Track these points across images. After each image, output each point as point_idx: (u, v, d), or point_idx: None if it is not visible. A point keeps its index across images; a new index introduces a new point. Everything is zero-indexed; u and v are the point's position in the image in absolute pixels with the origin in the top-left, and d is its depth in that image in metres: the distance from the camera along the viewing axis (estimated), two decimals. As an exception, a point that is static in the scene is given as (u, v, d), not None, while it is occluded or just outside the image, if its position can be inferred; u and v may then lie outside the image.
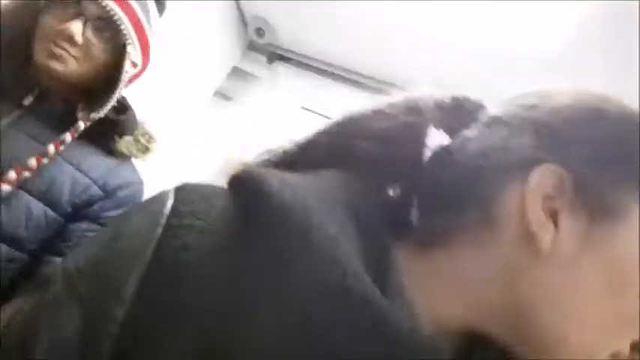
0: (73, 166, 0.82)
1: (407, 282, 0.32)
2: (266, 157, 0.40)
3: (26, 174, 0.74)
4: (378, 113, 0.38)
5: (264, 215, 0.28)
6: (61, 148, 0.78)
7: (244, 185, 0.30)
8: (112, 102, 0.82)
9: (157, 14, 0.92)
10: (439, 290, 0.33)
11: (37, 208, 0.77)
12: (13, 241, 0.75)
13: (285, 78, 2.15)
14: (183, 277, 0.27)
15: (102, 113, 0.81)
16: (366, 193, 0.36)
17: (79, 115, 0.81)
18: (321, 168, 0.36)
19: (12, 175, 0.73)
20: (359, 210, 0.33)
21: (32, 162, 0.75)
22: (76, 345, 0.27)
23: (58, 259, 0.80)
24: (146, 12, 0.86)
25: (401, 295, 0.31)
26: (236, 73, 2.18)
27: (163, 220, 0.29)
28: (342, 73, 2.06)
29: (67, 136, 0.79)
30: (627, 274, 0.31)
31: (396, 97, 0.40)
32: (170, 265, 0.27)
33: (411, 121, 0.37)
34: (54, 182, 0.79)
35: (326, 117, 1.75)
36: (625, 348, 0.32)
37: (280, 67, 2.17)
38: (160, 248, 0.28)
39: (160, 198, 0.31)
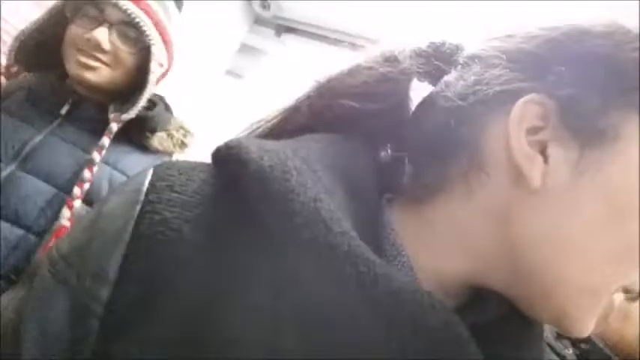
0: (109, 166, 0.84)
1: (403, 240, 0.31)
2: (253, 127, 0.39)
3: (86, 186, 0.78)
4: (355, 68, 0.36)
5: (243, 182, 0.27)
6: (103, 152, 0.81)
7: (223, 155, 0.29)
8: (142, 102, 0.83)
9: (177, 11, 0.93)
10: (437, 245, 0.32)
11: (83, 210, 0.80)
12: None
13: (295, 50, 2.13)
14: (164, 252, 0.27)
15: (132, 114, 0.83)
16: (353, 154, 0.34)
17: (111, 117, 0.83)
18: (307, 132, 0.34)
19: (77, 191, 0.77)
20: (347, 171, 0.32)
21: (87, 174, 0.78)
22: (64, 328, 0.27)
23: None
24: (165, 10, 0.86)
25: (399, 254, 0.30)
26: (245, 49, 2.16)
27: (142, 197, 0.29)
28: (350, 40, 2.03)
29: (105, 140, 0.81)
30: (627, 199, 0.29)
31: (373, 50, 0.37)
32: (150, 241, 0.27)
33: (389, 71, 0.35)
34: (96, 184, 0.81)
35: None
36: (634, 282, 0.30)
37: (289, 40, 2.14)
38: (139, 225, 0.28)
39: (137, 177, 0.31)
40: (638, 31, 0.31)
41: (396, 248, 0.31)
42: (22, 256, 0.75)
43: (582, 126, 0.29)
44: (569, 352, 0.96)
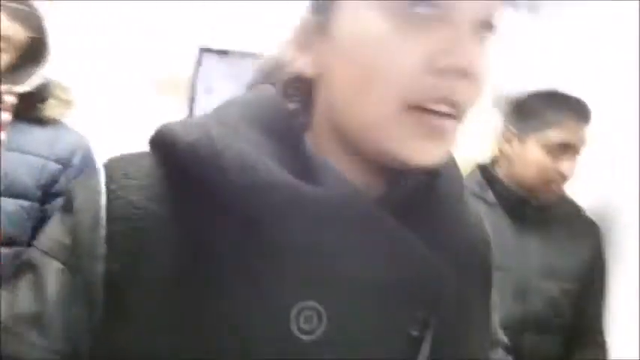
0: (18, 152, 0.80)
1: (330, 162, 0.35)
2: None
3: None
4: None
5: (178, 160, 0.33)
6: (7, 129, 0.76)
7: (155, 140, 0.35)
8: (41, 73, 0.78)
9: None
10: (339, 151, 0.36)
11: (10, 204, 0.78)
12: (10, 243, 0.78)
13: None
14: (138, 227, 0.32)
15: (30, 86, 0.77)
16: (269, 106, 0.37)
17: (4, 90, 0.76)
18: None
19: None
20: (271, 122, 0.36)
21: None
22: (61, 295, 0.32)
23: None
24: None
25: (330, 170, 0.34)
26: None
27: (103, 189, 0.33)
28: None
29: (4, 116, 0.76)
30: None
31: None
32: (124, 221, 0.32)
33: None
34: (10, 175, 0.78)
35: None
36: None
37: None
38: (110, 211, 0.32)
39: (92, 174, 0.35)
40: None
41: (325, 166, 0.35)
42: None
43: None
44: (489, 194, 1.11)
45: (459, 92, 0.31)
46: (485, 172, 1.15)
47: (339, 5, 0.33)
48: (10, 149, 0.79)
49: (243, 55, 1.76)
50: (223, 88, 1.77)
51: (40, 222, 0.83)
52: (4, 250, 0.77)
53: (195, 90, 1.77)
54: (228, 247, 0.32)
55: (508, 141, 1.08)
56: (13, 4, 0.73)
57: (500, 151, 1.12)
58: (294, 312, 0.32)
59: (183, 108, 1.81)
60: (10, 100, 0.76)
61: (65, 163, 0.85)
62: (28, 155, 0.81)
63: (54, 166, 0.83)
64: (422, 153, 0.32)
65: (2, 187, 0.77)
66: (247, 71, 0.42)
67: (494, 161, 1.15)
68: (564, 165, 1.01)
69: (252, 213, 0.32)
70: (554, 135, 1.02)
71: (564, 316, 1.09)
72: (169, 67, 1.80)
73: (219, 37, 1.81)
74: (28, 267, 0.34)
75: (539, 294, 1.07)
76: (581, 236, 1.15)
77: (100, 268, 0.31)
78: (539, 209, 1.09)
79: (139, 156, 0.36)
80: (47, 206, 0.84)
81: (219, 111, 0.37)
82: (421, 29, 0.31)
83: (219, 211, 0.32)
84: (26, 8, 0.74)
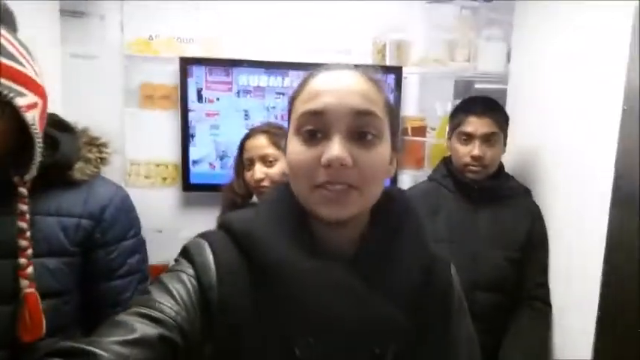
0: (54, 216, 0.87)
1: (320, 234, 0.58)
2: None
3: (29, 252, 0.82)
4: None
5: (235, 239, 0.57)
6: (27, 217, 0.82)
7: (222, 226, 0.60)
8: (38, 158, 0.81)
9: (11, 33, 0.81)
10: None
11: (52, 263, 0.87)
12: (56, 294, 0.87)
13: None
14: (228, 279, 0.54)
15: (34, 172, 0.81)
16: (285, 201, 0.60)
17: (16, 181, 0.82)
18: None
19: (23, 261, 0.81)
20: (283, 212, 0.59)
21: (23, 243, 0.81)
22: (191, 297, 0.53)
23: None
24: (11, 56, 0.77)
25: (323, 244, 0.57)
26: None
27: (212, 260, 0.56)
28: None
29: (23, 207, 0.82)
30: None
31: None
32: (221, 271, 0.55)
33: None
34: (50, 237, 0.86)
35: None
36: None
37: None
38: (216, 263, 0.55)
39: (199, 242, 0.59)
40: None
41: (318, 236, 0.58)
42: (4, 327, 0.81)
43: None
44: (450, 182, 1.50)
45: (341, 175, 0.52)
46: (447, 164, 1.53)
47: (288, 144, 0.58)
48: (47, 214, 0.87)
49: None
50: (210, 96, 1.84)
51: (81, 272, 0.92)
52: (51, 301, 0.86)
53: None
54: (263, 294, 0.53)
55: (448, 140, 1.53)
56: None
57: (447, 148, 1.54)
58: (298, 342, 0.52)
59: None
60: (24, 191, 0.82)
61: (97, 219, 0.92)
62: (63, 218, 0.88)
63: (87, 223, 0.91)
64: (330, 212, 0.54)
65: (44, 249, 0.85)
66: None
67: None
68: (471, 148, 1.41)
69: (274, 276, 0.53)
70: (461, 129, 1.43)
71: (508, 279, 1.40)
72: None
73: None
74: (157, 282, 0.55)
75: (486, 260, 1.38)
76: (524, 213, 1.45)
77: (212, 297, 0.54)
78: (481, 190, 1.43)
79: (222, 238, 0.58)
80: (88, 257, 0.92)
81: (257, 208, 0.62)
82: (314, 145, 0.54)
83: (261, 274, 0.53)
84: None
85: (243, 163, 1.32)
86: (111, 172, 1.02)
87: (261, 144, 1.28)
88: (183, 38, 1.87)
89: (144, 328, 0.47)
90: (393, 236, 0.59)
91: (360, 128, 0.54)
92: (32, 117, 0.79)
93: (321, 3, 1.89)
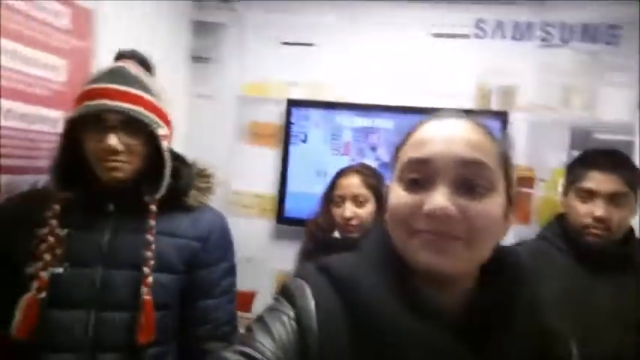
0: (169, 236, 0.96)
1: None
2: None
3: (151, 262, 0.91)
4: None
5: (336, 286, 0.55)
6: (154, 231, 0.92)
7: (322, 269, 0.58)
8: (167, 179, 0.93)
9: (151, 75, 0.99)
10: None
11: (163, 278, 0.94)
12: (164, 307, 0.94)
13: (252, 13, 2.06)
14: (325, 319, 0.53)
15: (163, 191, 0.93)
16: (380, 250, 0.57)
17: (147, 199, 0.93)
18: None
19: (146, 270, 0.90)
20: (379, 259, 0.56)
21: (148, 254, 0.90)
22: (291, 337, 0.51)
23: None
24: (145, 88, 0.92)
25: (427, 302, 0.51)
26: (199, 27, 2.09)
27: (312, 302, 0.54)
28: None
29: (152, 222, 0.92)
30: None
31: None
32: (322, 311, 0.53)
33: None
34: (163, 255, 0.94)
35: (307, 44, 1.77)
36: None
37: (240, 5, 2.06)
38: (316, 304, 0.54)
39: (303, 291, 0.56)
40: None
41: (422, 294, 0.52)
42: (122, 331, 0.89)
43: None
44: (561, 241, 1.30)
45: (446, 227, 0.49)
46: (561, 221, 1.33)
47: (390, 190, 0.56)
48: (163, 234, 0.95)
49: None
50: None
51: (183, 289, 0.98)
52: (159, 313, 0.92)
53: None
54: (362, 342, 0.51)
55: (563, 195, 1.33)
56: (125, 124, 0.90)
57: (561, 204, 1.35)
58: None
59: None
60: (154, 208, 0.93)
61: (204, 241, 1.00)
62: (175, 238, 0.97)
63: (195, 244, 0.99)
64: (430, 260, 0.50)
65: (157, 265, 0.92)
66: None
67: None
68: (593, 208, 1.20)
69: (375, 328, 0.50)
70: (581, 184, 1.23)
71: None
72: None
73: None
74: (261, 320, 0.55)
75: (605, 339, 1.13)
76: None
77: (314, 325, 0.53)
78: (603, 256, 1.21)
79: (321, 282, 0.56)
80: (191, 276, 0.99)
81: (356, 256, 0.59)
82: (417, 192, 0.52)
83: (360, 322, 0.51)
84: (137, 122, 0.90)
85: (332, 198, 1.34)
86: (216, 200, 1.10)
87: (354, 183, 1.29)
88: (290, 82, 2.00)
89: None
90: (506, 302, 0.53)
91: (468, 179, 0.50)
92: (166, 145, 0.93)
93: (424, 47, 1.90)
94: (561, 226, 1.32)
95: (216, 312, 1.02)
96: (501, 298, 0.53)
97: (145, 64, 0.99)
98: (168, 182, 0.94)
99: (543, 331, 0.54)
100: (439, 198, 0.49)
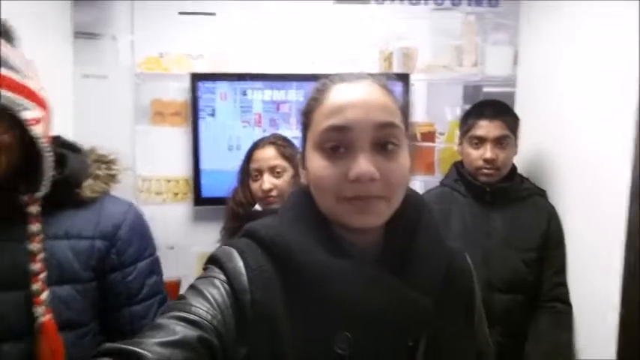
0: (63, 239, 0.80)
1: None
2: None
3: (42, 276, 0.76)
4: None
5: (262, 245, 0.56)
6: (39, 238, 0.77)
7: (247, 234, 0.59)
8: (49, 171, 0.76)
9: (11, 47, 0.76)
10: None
11: (65, 290, 0.79)
12: (71, 326, 0.80)
13: None
14: (260, 280, 0.54)
15: (46, 187, 0.76)
16: (307, 207, 0.60)
17: (26, 200, 0.77)
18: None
19: (36, 286, 0.75)
20: (310, 217, 0.58)
21: (36, 266, 0.76)
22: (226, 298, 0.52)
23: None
24: (11, 67, 0.73)
25: (349, 246, 0.57)
26: (82, 0, 1.83)
27: (242, 267, 0.55)
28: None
29: (32, 227, 0.76)
30: None
31: None
32: (253, 274, 0.54)
33: None
34: (60, 263, 0.79)
35: (207, 13, 1.62)
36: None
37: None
38: (247, 269, 0.54)
39: (232, 256, 0.56)
40: None
41: (343, 240, 0.58)
42: None
43: None
44: (461, 186, 1.48)
45: (369, 189, 0.52)
46: (458, 168, 1.51)
47: (308, 157, 0.58)
48: (55, 238, 0.80)
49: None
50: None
51: (97, 301, 0.84)
52: (66, 334, 0.78)
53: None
54: (295, 295, 0.53)
55: (459, 145, 1.50)
56: None
57: (458, 153, 1.52)
58: (336, 339, 0.52)
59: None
60: (35, 210, 0.76)
61: (111, 239, 0.85)
62: (74, 240, 0.81)
63: (99, 244, 0.83)
64: (361, 222, 0.54)
65: (55, 276, 0.78)
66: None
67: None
68: (483, 152, 1.38)
69: (308, 277, 0.53)
70: (472, 133, 1.41)
71: (525, 280, 1.37)
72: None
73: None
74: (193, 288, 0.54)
75: (501, 262, 1.36)
76: (539, 213, 1.43)
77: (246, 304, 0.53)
78: (494, 193, 1.41)
79: (248, 245, 0.57)
80: (106, 280, 0.84)
81: (281, 215, 0.61)
82: (339, 160, 0.54)
83: (292, 277, 0.53)
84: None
85: (249, 172, 1.29)
86: (122, 189, 0.96)
87: (270, 155, 1.25)
88: (192, 55, 1.86)
89: (184, 331, 0.48)
90: (412, 233, 0.59)
91: (382, 140, 0.54)
92: (40, 131, 0.74)
93: (325, 15, 1.87)
94: (459, 172, 1.50)
95: (146, 318, 0.87)
96: (409, 229, 0.59)
97: (4, 32, 0.77)
98: (52, 175, 0.76)
99: (446, 250, 0.62)
100: (363, 164, 0.52)
